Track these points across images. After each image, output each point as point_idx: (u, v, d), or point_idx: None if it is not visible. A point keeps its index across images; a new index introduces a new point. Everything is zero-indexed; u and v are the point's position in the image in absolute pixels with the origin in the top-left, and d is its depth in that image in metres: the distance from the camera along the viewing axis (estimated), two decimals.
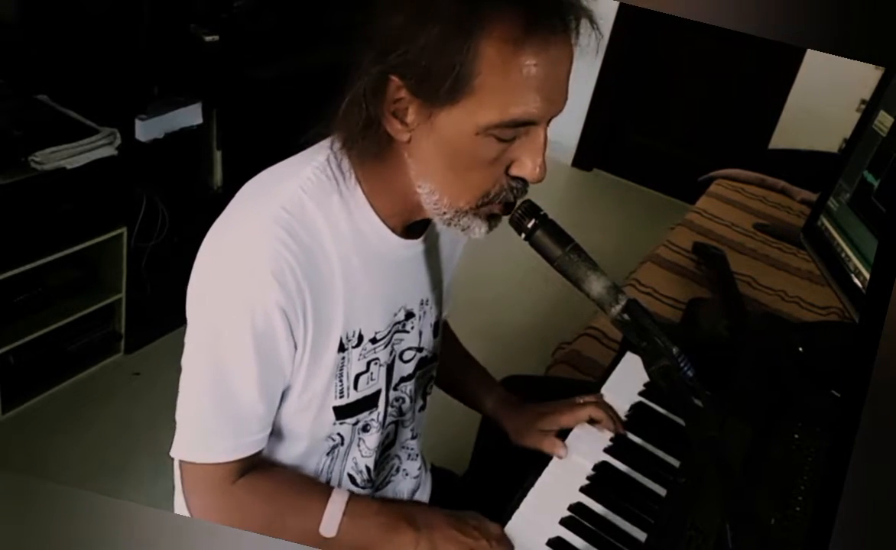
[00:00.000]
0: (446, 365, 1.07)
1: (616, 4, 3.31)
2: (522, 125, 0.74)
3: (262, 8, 2.31)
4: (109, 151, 1.91)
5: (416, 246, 0.89)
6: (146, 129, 2.05)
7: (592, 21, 0.75)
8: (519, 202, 0.81)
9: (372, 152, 0.79)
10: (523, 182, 0.78)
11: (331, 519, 0.84)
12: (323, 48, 2.16)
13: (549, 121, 0.76)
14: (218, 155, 2.35)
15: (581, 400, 1.07)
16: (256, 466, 0.85)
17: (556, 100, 0.75)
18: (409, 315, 0.92)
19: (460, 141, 0.74)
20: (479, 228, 0.80)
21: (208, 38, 2.16)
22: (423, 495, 1.09)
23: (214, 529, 0.81)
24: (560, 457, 1.01)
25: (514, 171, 0.77)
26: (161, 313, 2.09)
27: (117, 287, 2.07)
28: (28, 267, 1.80)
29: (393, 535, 0.85)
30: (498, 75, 0.71)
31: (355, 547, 0.86)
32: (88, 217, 1.93)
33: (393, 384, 0.93)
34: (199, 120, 2.19)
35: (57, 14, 1.93)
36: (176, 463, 0.85)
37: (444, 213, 0.79)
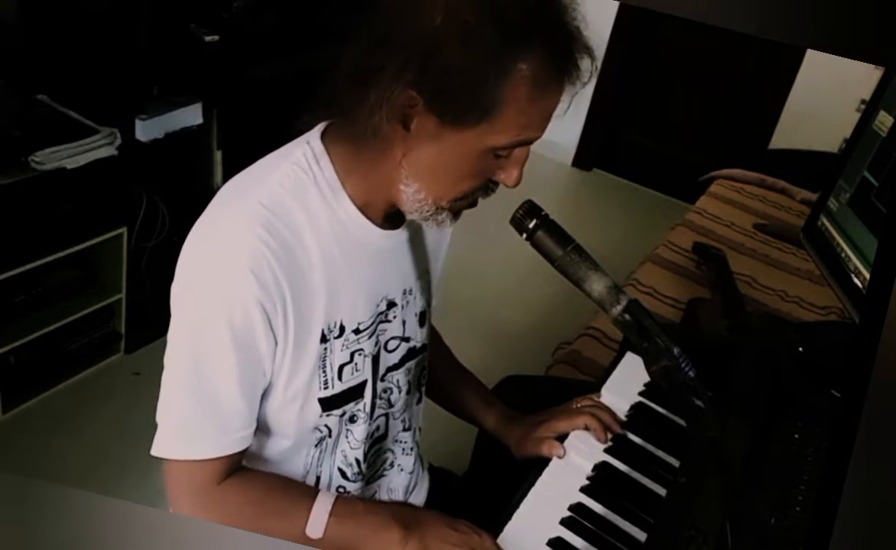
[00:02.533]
0: (442, 381, 1.08)
1: (616, 4, 3.31)
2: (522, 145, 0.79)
3: (262, 8, 2.31)
4: (109, 151, 1.91)
5: (398, 235, 0.90)
6: (146, 129, 2.05)
7: (593, 58, 0.79)
8: (520, 203, 0.83)
9: (364, 149, 0.80)
10: (497, 184, 0.83)
11: (317, 520, 0.84)
12: (322, 48, 2.16)
13: None
14: (218, 155, 2.35)
15: (578, 404, 1.07)
16: (241, 468, 0.86)
17: (550, 120, 0.80)
18: (391, 304, 0.92)
19: (464, 156, 0.78)
20: (448, 220, 0.85)
21: (208, 38, 2.16)
22: (421, 494, 1.09)
23: (214, 529, 0.81)
24: (559, 457, 1.01)
25: (499, 178, 0.82)
26: (161, 313, 2.05)
27: (117, 287, 2.07)
28: (28, 267, 1.80)
29: (382, 534, 0.85)
30: (519, 110, 0.75)
31: (343, 548, 0.86)
32: (88, 217, 1.93)
33: (380, 374, 0.93)
34: (199, 120, 2.19)
35: (57, 14, 1.93)
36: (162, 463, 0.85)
37: (426, 210, 0.82)
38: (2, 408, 1.89)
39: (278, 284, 0.78)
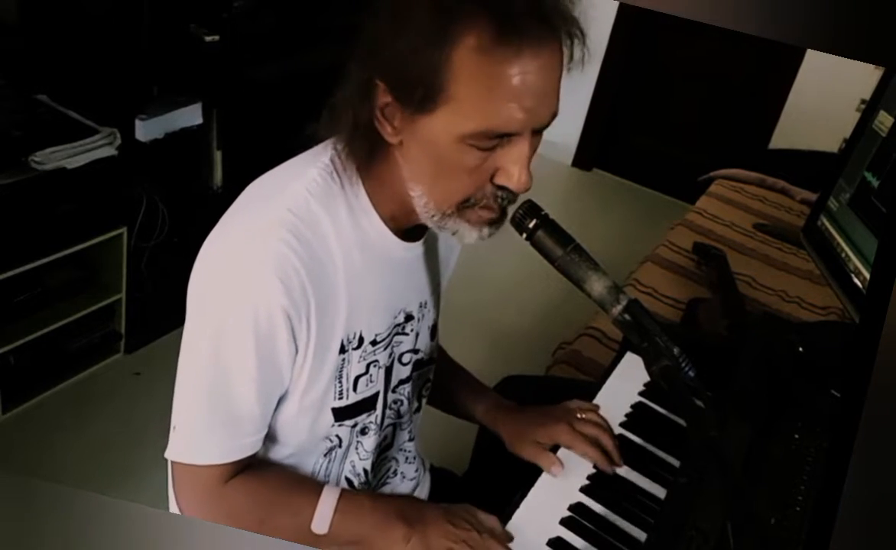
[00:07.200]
0: (433, 377, 1.06)
1: (616, 4, 3.31)
2: (503, 136, 0.74)
3: (261, 8, 2.31)
4: (109, 151, 1.91)
5: (416, 248, 0.89)
6: (146, 129, 2.05)
7: (578, 30, 0.74)
8: (520, 202, 0.81)
9: (366, 153, 0.79)
10: (509, 190, 0.78)
11: (322, 516, 0.84)
12: (322, 48, 2.16)
13: (540, 130, 0.75)
14: (218, 155, 2.35)
15: (580, 415, 1.03)
16: (247, 466, 0.85)
17: (537, 111, 0.73)
18: (409, 317, 0.92)
19: (441, 148, 0.74)
20: (468, 234, 0.80)
21: (208, 38, 2.16)
22: (422, 495, 1.09)
23: (214, 529, 0.81)
24: (554, 475, 0.97)
25: (499, 180, 0.77)
26: (161, 313, 2.09)
27: (117, 287, 2.07)
28: (28, 267, 1.80)
29: (385, 530, 0.85)
30: (472, 85, 0.71)
31: (348, 543, 0.86)
32: (88, 217, 1.93)
33: (391, 386, 0.93)
34: (199, 120, 2.19)
35: (57, 14, 1.93)
36: (170, 463, 0.86)
37: (433, 216, 0.79)
38: (2, 408, 1.89)
39: (304, 292, 0.77)
